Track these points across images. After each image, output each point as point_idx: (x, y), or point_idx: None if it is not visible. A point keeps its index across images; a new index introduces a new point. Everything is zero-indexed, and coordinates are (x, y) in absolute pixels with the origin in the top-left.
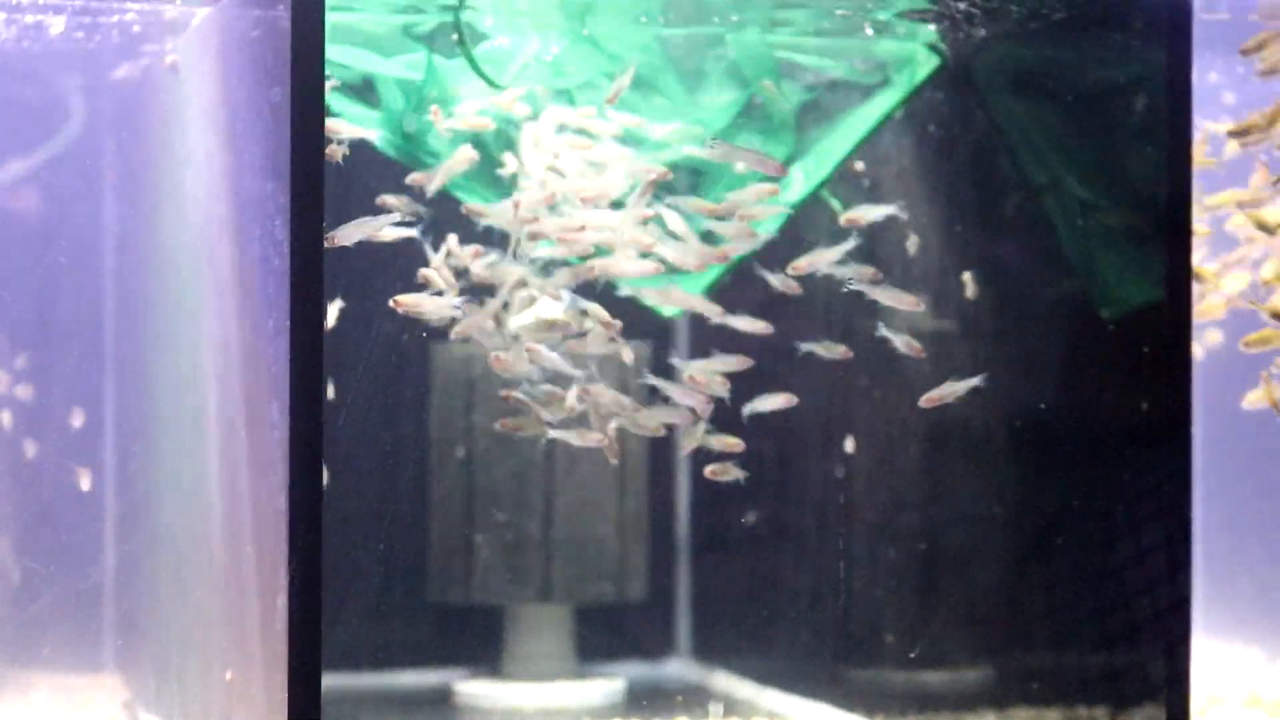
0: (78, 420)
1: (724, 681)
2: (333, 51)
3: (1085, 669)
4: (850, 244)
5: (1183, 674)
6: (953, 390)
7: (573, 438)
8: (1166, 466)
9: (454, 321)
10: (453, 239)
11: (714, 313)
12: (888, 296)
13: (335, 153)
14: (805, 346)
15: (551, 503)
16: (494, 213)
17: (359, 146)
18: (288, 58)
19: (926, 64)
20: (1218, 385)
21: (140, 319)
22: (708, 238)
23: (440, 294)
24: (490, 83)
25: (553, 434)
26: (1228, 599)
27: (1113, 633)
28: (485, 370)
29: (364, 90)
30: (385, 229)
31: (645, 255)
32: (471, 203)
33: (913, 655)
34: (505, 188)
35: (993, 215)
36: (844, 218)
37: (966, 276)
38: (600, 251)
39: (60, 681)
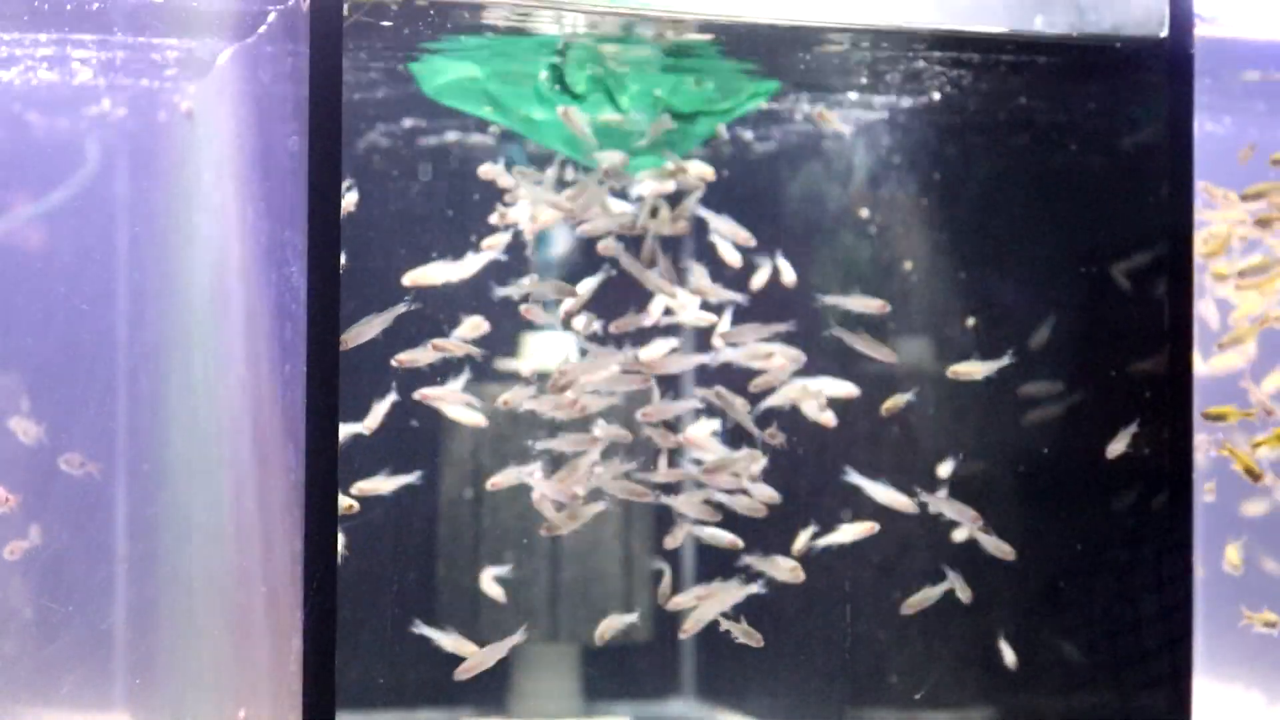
0: (95, 463)
1: None
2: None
3: (1089, 711)
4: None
5: (1184, 716)
6: (982, 368)
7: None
8: (1168, 510)
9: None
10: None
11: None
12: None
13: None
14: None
15: (558, 543)
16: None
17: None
18: (305, 105)
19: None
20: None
21: (157, 363)
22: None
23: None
24: (574, 98)
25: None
26: (1229, 642)
27: (1116, 675)
28: (494, 410)
29: None
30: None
31: None
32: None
33: (917, 696)
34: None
35: (992, 260)
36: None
37: (971, 322)
38: None
39: None
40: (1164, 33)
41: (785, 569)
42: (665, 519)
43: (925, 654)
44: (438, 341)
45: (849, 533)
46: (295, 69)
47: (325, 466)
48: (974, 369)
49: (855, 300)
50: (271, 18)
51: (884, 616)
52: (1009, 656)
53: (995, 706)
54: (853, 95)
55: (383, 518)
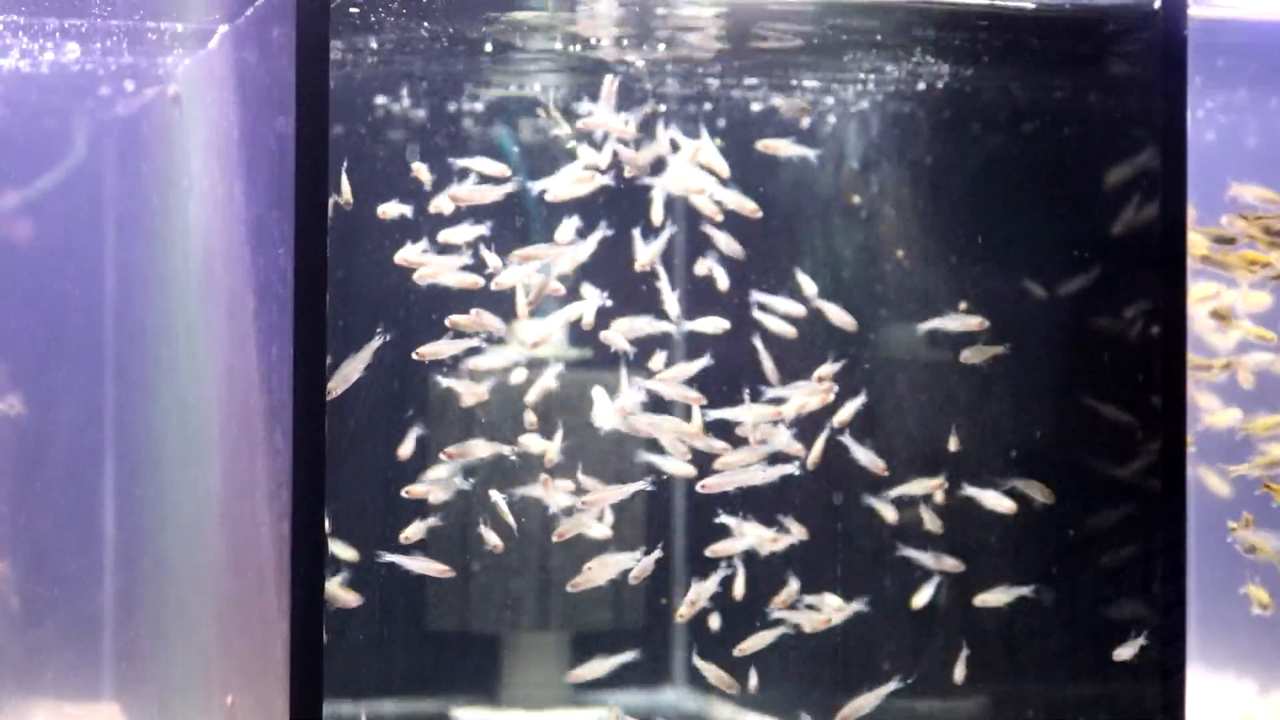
0: (82, 447)
1: (720, 710)
2: None
3: (1080, 699)
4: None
5: (1177, 705)
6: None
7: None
8: (1161, 498)
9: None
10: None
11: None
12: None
13: None
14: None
15: (548, 531)
16: None
17: None
18: (292, 88)
19: None
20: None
21: (144, 347)
22: None
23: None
24: None
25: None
26: (1222, 631)
27: (1108, 663)
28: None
29: None
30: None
31: None
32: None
33: (909, 683)
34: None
35: (983, 247)
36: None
37: (962, 307)
38: None
39: (59, 708)
40: (1156, 4)
41: (818, 619)
42: (658, 509)
43: (917, 642)
44: (454, 318)
45: (919, 486)
46: (283, 51)
47: (312, 450)
48: (976, 355)
49: (953, 320)
50: (259, 0)
51: (875, 604)
52: None
53: (987, 693)
54: (824, 79)
55: (374, 507)
